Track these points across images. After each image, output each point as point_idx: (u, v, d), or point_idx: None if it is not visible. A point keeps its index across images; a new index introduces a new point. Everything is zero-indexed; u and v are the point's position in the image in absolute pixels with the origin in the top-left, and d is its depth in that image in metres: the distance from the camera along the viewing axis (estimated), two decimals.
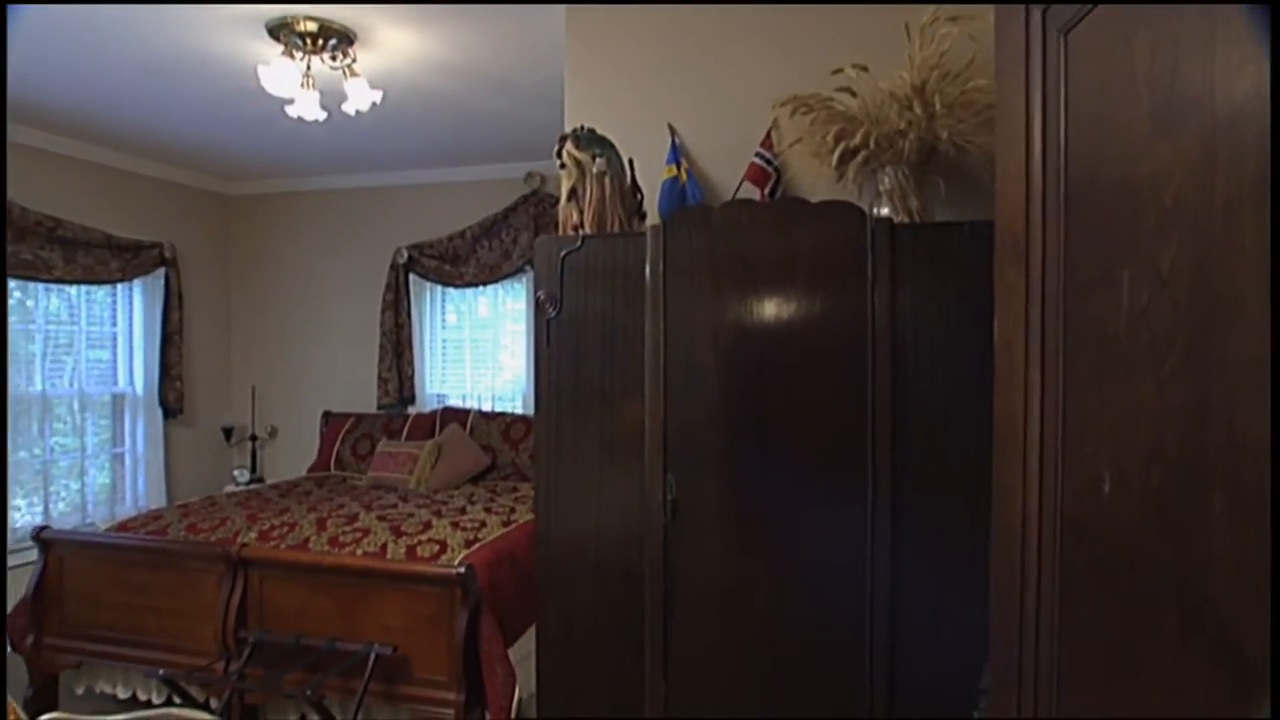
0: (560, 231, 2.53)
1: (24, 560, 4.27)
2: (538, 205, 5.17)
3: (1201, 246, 0.77)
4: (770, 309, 2.21)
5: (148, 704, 3.54)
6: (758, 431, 2.23)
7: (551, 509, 2.47)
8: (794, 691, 2.22)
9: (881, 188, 2.33)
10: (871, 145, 2.25)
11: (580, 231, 2.46)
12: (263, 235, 5.96)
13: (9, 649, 3.56)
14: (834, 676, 2.19)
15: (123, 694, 3.58)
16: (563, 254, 2.42)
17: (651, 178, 2.68)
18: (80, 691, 3.63)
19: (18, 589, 3.81)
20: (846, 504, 2.15)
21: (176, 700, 3.26)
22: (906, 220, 2.28)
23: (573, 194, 2.49)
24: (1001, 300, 1.25)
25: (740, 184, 2.60)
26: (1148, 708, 0.86)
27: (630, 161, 2.60)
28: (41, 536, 3.57)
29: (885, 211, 2.31)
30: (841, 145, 2.29)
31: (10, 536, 4.45)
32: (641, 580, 2.35)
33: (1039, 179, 1.12)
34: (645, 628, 2.35)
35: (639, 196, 2.62)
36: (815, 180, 2.55)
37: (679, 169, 2.64)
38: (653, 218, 2.65)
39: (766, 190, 2.56)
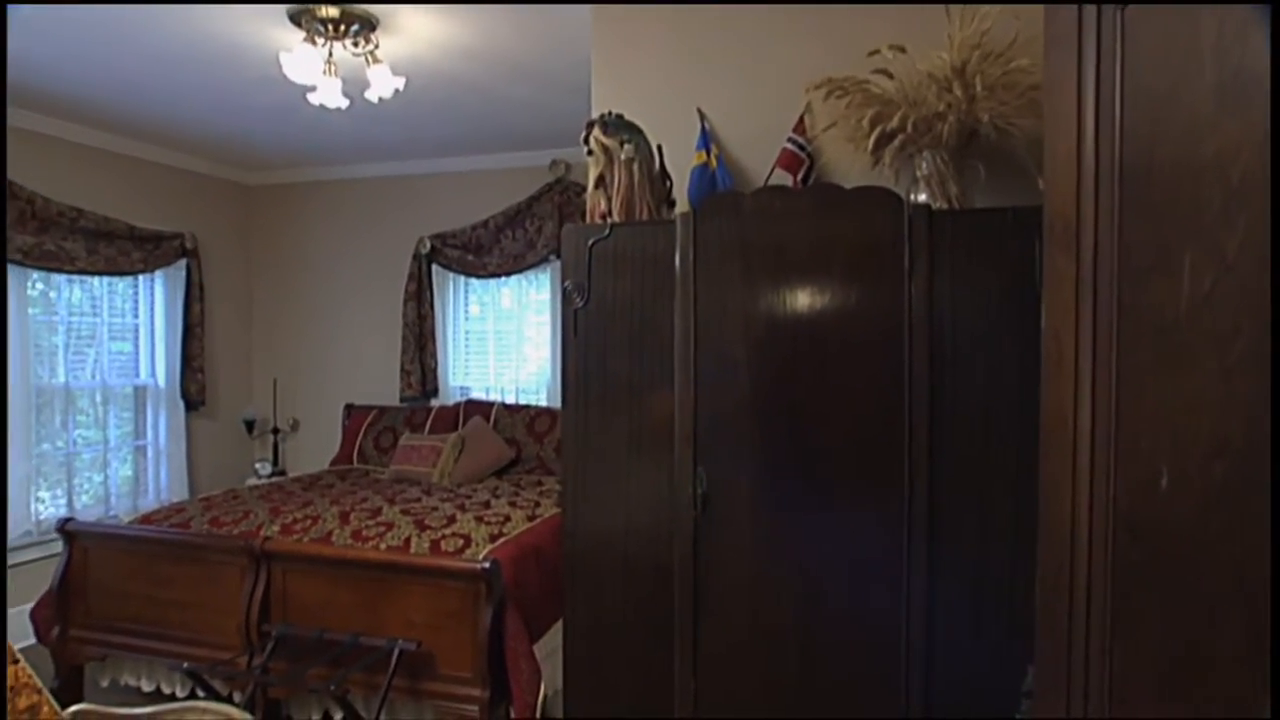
0: (587, 220, 2.53)
1: (49, 552, 4.35)
2: (562, 194, 5.17)
3: (1270, 228, 0.75)
4: (803, 298, 2.20)
5: (171, 697, 3.59)
6: (790, 424, 2.21)
7: (579, 503, 2.47)
8: (827, 690, 2.21)
9: (919, 173, 2.30)
10: (909, 129, 2.22)
11: (608, 219, 2.45)
12: (284, 225, 6.01)
13: (35, 640, 3.63)
14: (869, 676, 2.17)
15: (147, 687, 3.64)
16: (590, 243, 2.42)
17: (680, 164, 2.67)
18: (105, 684, 3.69)
19: (43, 580, 3.88)
20: (882, 498, 2.14)
21: (200, 693, 3.31)
22: (945, 207, 2.25)
23: (600, 181, 2.49)
24: (1050, 288, 1.22)
25: (772, 170, 2.58)
26: (1209, 713, 0.84)
27: (659, 148, 2.59)
28: (66, 528, 3.63)
29: (923, 198, 2.28)
30: (878, 129, 2.26)
31: (36, 528, 4.53)
32: (671, 575, 2.35)
33: (1091, 161, 1.09)
34: (675, 623, 2.35)
35: (668, 183, 2.61)
36: (850, 166, 2.52)
37: (709, 155, 2.63)
38: (682, 205, 2.63)
39: (799, 177, 2.54)
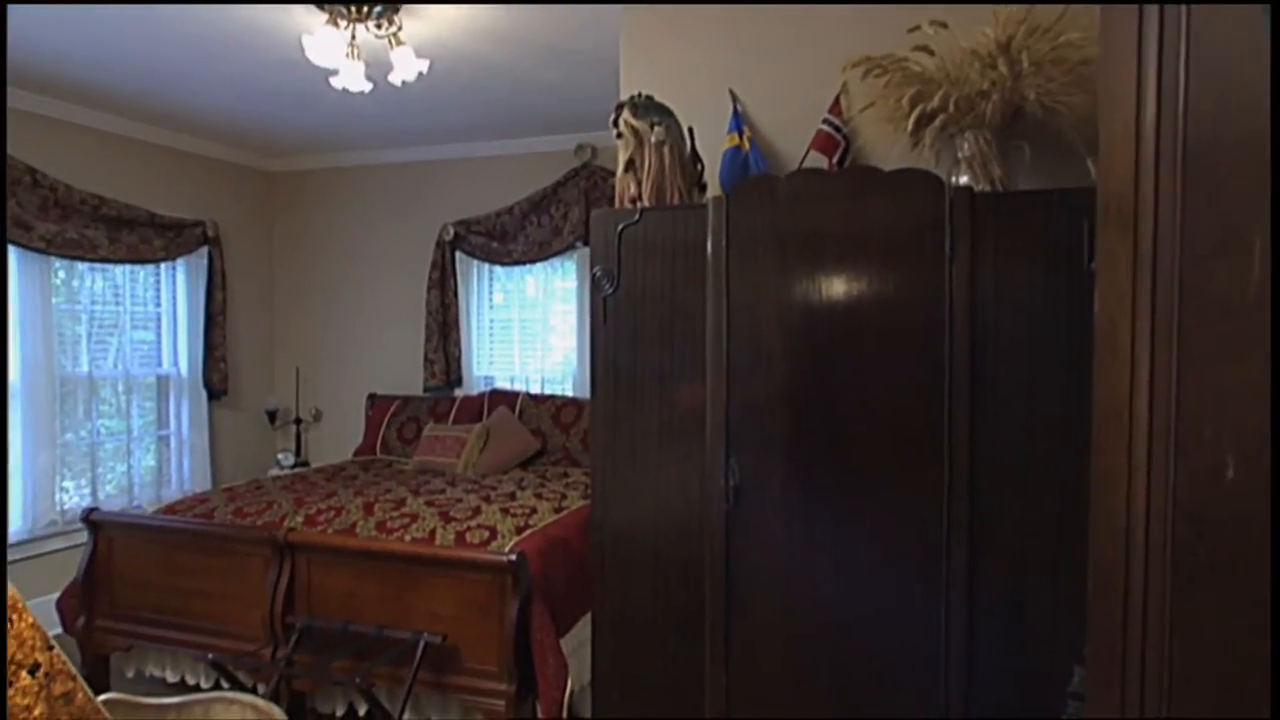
0: (617, 204, 2.52)
1: (74, 542, 4.43)
2: (589, 179, 5.17)
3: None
4: (839, 285, 2.18)
5: (195, 688, 3.65)
6: (825, 415, 2.20)
7: (608, 494, 2.47)
8: (862, 690, 2.20)
9: (960, 154, 2.27)
10: (950, 108, 2.18)
11: (638, 204, 2.45)
12: (306, 213, 6.05)
13: (62, 629, 3.70)
14: (905, 674, 2.16)
15: (171, 678, 3.69)
16: (620, 227, 2.41)
17: (712, 147, 2.65)
18: (130, 674, 3.75)
19: (68, 570, 3.95)
20: (920, 491, 2.12)
21: (224, 685, 3.36)
22: (988, 189, 2.22)
23: (630, 165, 2.48)
24: (1104, 273, 1.19)
25: (806, 153, 2.55)
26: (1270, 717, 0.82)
27: (690, 130, 2.58)
28: (91, 518, 3.69)
29: (965, 180, 2.25)
30: (918, 109, 2.23)
31: (60, 518, 4.61)
32: (702, 568, 2.35)
33: (1151, 137, 1.06)
34: (705, 618, 2.35)
35: (699, 167, 2.60)
36: (888, 148, 2.49)
37: (741, 138, 2.61)
38: (714, 189, 2.62)
39: (835, 159, 2.52)
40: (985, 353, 2.06)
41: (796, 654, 2.26)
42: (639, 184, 2.47)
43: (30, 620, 0.84)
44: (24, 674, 0.81)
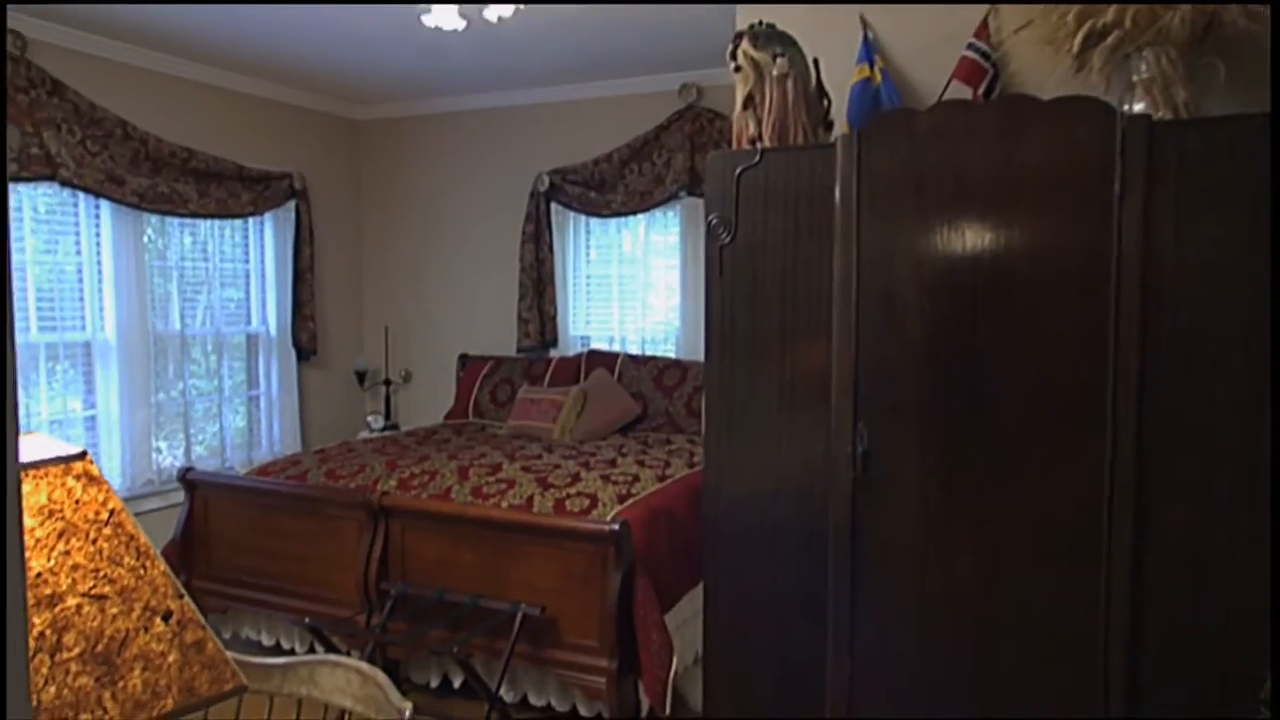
0: (734, 145, 2.49)
1: (169, 502, 4.69)
2: (694, 122, 5.11)
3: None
4: (986, 232, 2.10)
5: (290, 652, 3.83)
6: (968, 375, 2.14)
7: (722, 461, 2.46)
8: (1008, 682, 2.14)
9: (1137, 77, 2.13)
10: (1127, 23, 2.05)
11: (758, 144, 2.41)
12: (394, 163, 6.19)
13: None
14: (1057, 662, 2.09)
15: (266, 640, 3.90)
16: (738, 171, 2.38)
17: (840, 80, 2.58)
18: (227, 636, 3.97)
19: (164, 530, 4.19)
20: (1078, 460, 2.04)
21: (318, 649, 3.52)
22: (1169, 117, 2.07)
23: (749, 101, 2.44)
24: None
25: (948, 84, 2.46)
26: None
27: (815, 62, 2.52)
28: (188, 478, 3.90)
29: (1140, 107, 2.11)
30: (1086, 26, 2.10)
31: (157, 477, 4.89)
32: (825, 543, 2.32)
33: None
34: (828, 599, 2.33)
35: (826, 102, 2.54)
36: (1045, 75, 2.36)
37: (872, 69, 2.53)
38: (842, 127, 2.55)
39: (981, 90, 2.42)
40: (1158, 305, 1.95)
41: (931, 642, 2.22)
42: (759, 122, 2.43)
43: (161, 568, 0.89)
44: (158, 620, 0.86)
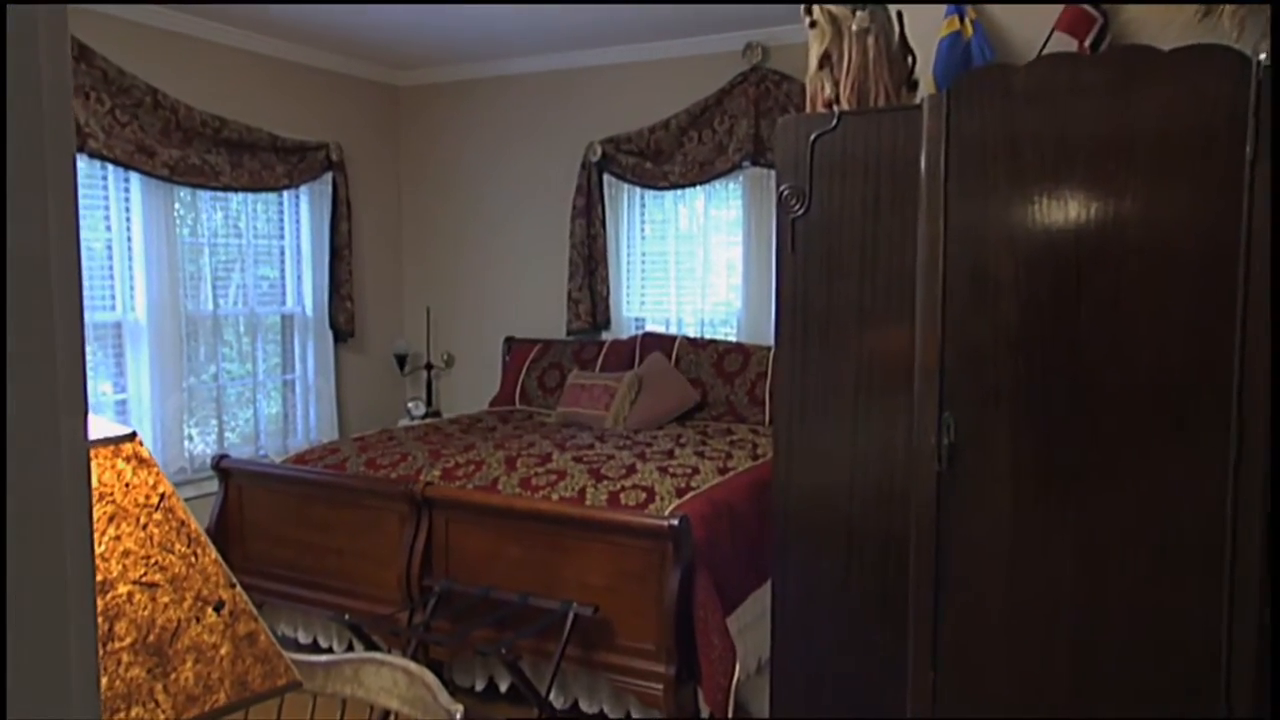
0: (808, 109, 2.47)
1: (202, 491, 4.80)
2: (759, 85, 5.06)
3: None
4: (1093, 203, 2.05)
5: (329, 651, 3.91)
6: (1069, 361, 2.10)
7: (793, 452, 2.46)
8: (1113, 698, 2.10)
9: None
10: None
11: (834, 107, 2.40)
12: (436, 132, 6.23)
13: None
14: (1169, 675, 2.05)
15: (304, 638, 3.98)
16: (812, 137, 2.37)
17: (926, 36, 2.53)
18: None
19: (198, 520, 4.29)
20: (1196, 458, 1.99)
21: (357, 648, 3.58)
22: None
23: (825, 60, 2.42)
24: None
25: (1049, 35, 2.40)
26: None
27: (899, 15, 2.49)
28: (221, 466, 3.99)
29: None
30: None
31: (190, 464, 5.01)
32: (906, 543, 2.31)
33: None
34: (909, 602, 2.31)
35: (910, 60, 2.51)
36: (1162, 25, 2.29)
37: (963, 21, 2.48)
38: (928, 87, 2.52)
39: (1088, 42, 2.36)
40: None
41: (1025, 651, 2.19)
42: (835, 83, 2.42)
43: (213, 555, 0.90)
44: (210, 611, 0.87)
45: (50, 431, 0.45)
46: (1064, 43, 2.37)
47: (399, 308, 6.43)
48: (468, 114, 6.11)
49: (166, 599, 0.87)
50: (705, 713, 3.14)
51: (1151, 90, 1.99)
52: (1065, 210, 2.08)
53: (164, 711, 0.82)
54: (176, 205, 4.94)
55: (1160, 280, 2.00)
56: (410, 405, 6.08)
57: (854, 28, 2.36)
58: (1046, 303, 2.11)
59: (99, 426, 0.92)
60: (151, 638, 0.84)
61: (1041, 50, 2.39)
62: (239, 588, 0.92)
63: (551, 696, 3.22)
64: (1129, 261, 2.03)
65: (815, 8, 2.41)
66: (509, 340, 5.91)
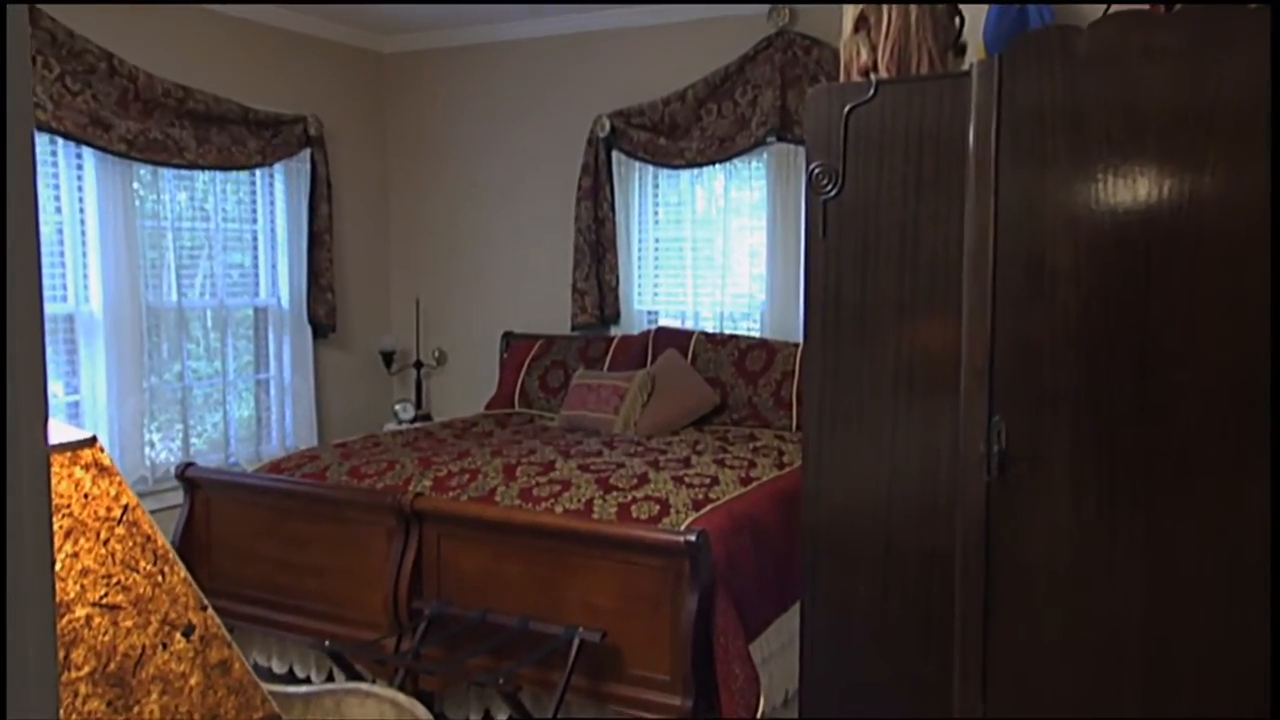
0: (842, 77, 2.48)
1: (165, 504, 4.80)
2: (786, 51, 5.06)
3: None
4: (1167, 179, 2.05)
5: (306, 681, 3.91)
6: (1136, 360, 2.11)
7: (824, 460, 2.47)
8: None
9: None
10: None
11: (872, 76, 2.40)
12: (426, 104, 6.23)
13: None
14: (1253, 714, 2.04)
15: (278, 668, 3.98)
16: (847, 109, 2.38)
17: None
18: None
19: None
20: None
21: (338, 678, 3.58)
22: None
23: (862, 22, 2.43)
24: None
25: None
26: None
27: None
28: (187, 475, 3.99)
29: None
30: None
31: (150, 474, 5.02)
32: (951, 560, 2.32)
33: None
34: (955, 626, 2.32)
35: (958, 22, 2.52)
36: None
37: None
38: (977, 52, 2.52)
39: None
40: None
41: (1087, 679, 2.19)
42: (873, 49, 2.43)
43: (182, 575, 0.90)
44: (178, 636, 0.87)
45: (12, 438, 0.44)
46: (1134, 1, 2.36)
47: (385, 299, 6.44)
48: (461, 84, 6.11)
49: (130, 623, 0.86)
50: None
51: (1235, 54, 1.98)
52: (1134, 189, 2.08)
53: None
54: (135, 185, 4.93)
55: (1241, 270, 2.00)
56: (398, 408, 6.09)
57: None
58: (1112, 293, 2.12)
59: (54, 431, 0.91)
60: (112, 666, 0.83)
61: (1108, 8, 2.38)
62: (210, 610, 0.91)
63: None
64: (1205, 248, 2.02)
65: None
66: (507, 336, 5.92)
